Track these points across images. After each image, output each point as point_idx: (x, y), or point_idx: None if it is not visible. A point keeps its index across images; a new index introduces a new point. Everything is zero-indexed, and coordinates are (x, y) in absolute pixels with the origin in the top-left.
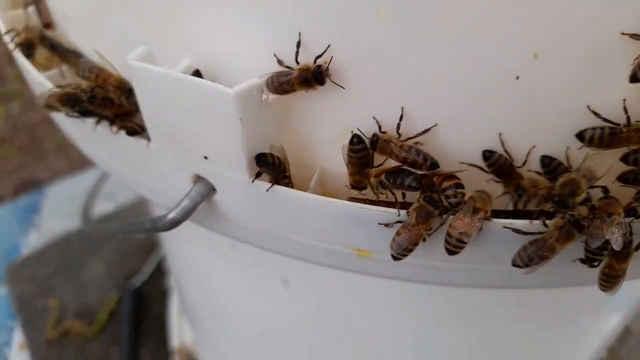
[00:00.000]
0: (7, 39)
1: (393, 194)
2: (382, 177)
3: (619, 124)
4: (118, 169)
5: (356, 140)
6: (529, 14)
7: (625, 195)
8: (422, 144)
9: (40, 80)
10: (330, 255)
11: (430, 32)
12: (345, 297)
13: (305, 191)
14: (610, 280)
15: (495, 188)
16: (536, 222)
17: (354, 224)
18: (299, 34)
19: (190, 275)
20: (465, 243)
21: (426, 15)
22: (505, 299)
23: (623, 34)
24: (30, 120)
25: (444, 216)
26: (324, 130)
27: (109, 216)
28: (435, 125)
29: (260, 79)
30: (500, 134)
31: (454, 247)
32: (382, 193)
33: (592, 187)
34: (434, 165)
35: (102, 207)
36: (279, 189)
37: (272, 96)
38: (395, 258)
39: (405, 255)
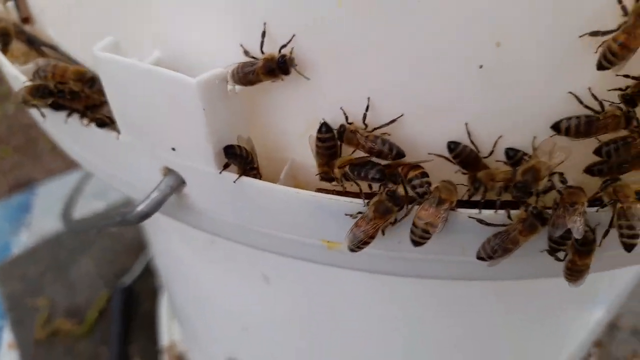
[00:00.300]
0: None
1: (358, 185)
2: (347, 168)
3: (598, 112)
4: (93, 162)
5: (324, 129)
6: (492, 1)
7: (589, 186)
8: (389, 135)
9: (15, 74)
10: (301, 247)
11: (391, 21)
12: (325, 291)
13: (276, 183)
14: (574, 274)
15: (464, 179)
16: (501, 212)
17: (322, 215)
18: (264, 24)
19: (175, 272)
20: (431, 234)
21: (386, 4)
22: (483, 290)
23: (581, 35)
24: (26, 121)
25: (409, 207)
26: (293, 122)
27: (90, 216)
28: (402, 115)
29: (225, 69)
30: (466, 124)
31: (419, 237)
32: (347, 183)
33: (552, 173)
34: (400, 154)
35: (93, 205)
36: (247, 180)
37: (238, 87)
38: (351, 250)
39: (360, 248)
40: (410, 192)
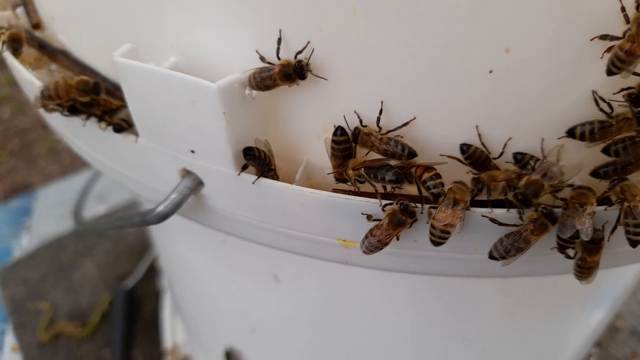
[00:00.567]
0: None
1: (373, 186)
2: (362, 170)
3: (611, 116)
4: (109, 165)
5: (339, 132)
6: (500, 9)
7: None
8: (402, 137)
9: (29, 78)
10: (317, 246)
11: (404, 28)
12: (334, 291)
13: (292, 184)
14: (584, 272)
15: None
16: (512, 211)
17: (338, 214)
18: (280, 31)
19: (182, 273)
20: (449, 234)
21: (399, 11)
22: (490, 292)
23: (592, 38)
24: (21, 125)
25: (422, 211)
26: (308, 125)
27: (101, 218)
28: (414, 118)
29: (243, 74)
30: (477, 127)
31: (438, 238)
32: (360, 184)
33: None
34: (412, 154)
35: (95, 209)
36: (265, 181)
37: (255, 92)
38: (365, 254)
39: (374, 252)
40: (425, 193)
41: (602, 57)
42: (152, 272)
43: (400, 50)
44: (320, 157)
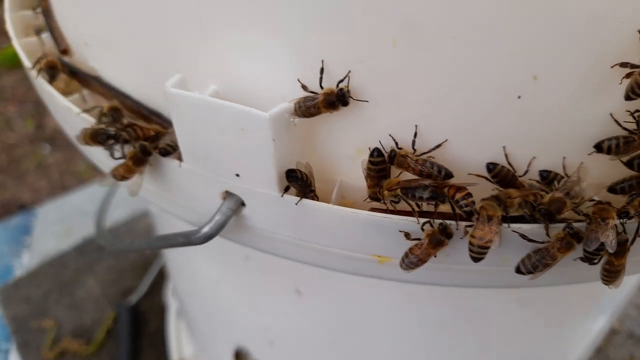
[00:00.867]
0: (28, 65)
1: (410, 205)
2: (398, 190)
3: (634, 132)
4: (145, 188)
5: (376, 153)
6: (529, 42)
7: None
8: (433, 158)
9: (66, 105)
10: (352, 262)
11: (441, 58)
12: (356, 304)
13: (328, 202)
14: (611, 276)
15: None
16: (540, 226)
17: (376, 232)
18: (322, 62)
19: (197, 289)
20: (488, 249)
21: (437, 44)
22: (508, 299)
23: (612, 66)
24: (9, 140)
25: (457, 227)
26: (343, 147)
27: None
28: (446, 140)
29: (290, 103)
30: (504, 147)
31: (477, 254)
32: (395, 203)
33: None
34: (448, 175)
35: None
36: (307, 202)
37: (297, 119)
38: (405, 271)
39: (413, 270)
40: (458, 211)
41: (620, 83)
42: (156, 287)
43: (435, 79)
44: (354, 177)
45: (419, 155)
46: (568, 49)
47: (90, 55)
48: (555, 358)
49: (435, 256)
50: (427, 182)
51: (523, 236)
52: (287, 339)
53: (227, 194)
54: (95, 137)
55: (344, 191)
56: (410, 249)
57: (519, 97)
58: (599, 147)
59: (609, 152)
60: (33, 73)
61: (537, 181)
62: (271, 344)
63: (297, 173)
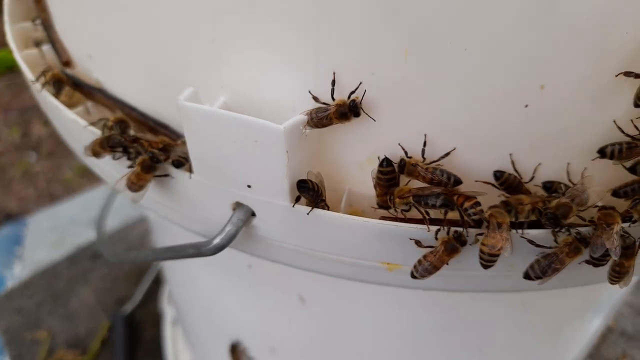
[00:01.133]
0: (31, 78)
1: (422, 213)
2: (410, 198)
3: (638, 139)
4: (152, 199)
5: (386, 163)
6: (536, 52)
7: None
8: (442, 165)
9: (72, 118)
10: (361, 270)
11: (450, 69)
12: (359, 310)
13: (336, 211)
14: (620, 276)
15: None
16: (544, 231)
17: (386, 240)
18: (334, 74)
19: (197, 297)
20: (498, 256)
21: (447, 56)
22: (513, 302)
23: (617, 75)
24: None
25: (467, 234)
26: (352, 156)
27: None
28: (455, 149)
29: (303, 115)
30: (510, 155)
31: (487, 261)
32: (406, 212)
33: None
34: (458, 182)
35: (87, 235)
36: (318, 211)
37: (308, 129)
38: (418, 278)
39: (427, 277)
40: (466, 219)
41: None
42: (151, 296)
43: (445, 89)
44: (362, 186)
45: (428, 164)
46: (574, 58)
47: (95, 67)
48: (555, 357)
49: (447, 263)
50: (439, 189)
51: (531, 242)
52: (289, 345)
53: (238, 205)
54: (106, 143)
55: (352, 200)
56: (425, 256)
57: (526, 106)
58: (602, 152)
59: (611, 157)
60: (37, 86)
61: (541, 188)
62: (272, 351)
63: (308, 184)
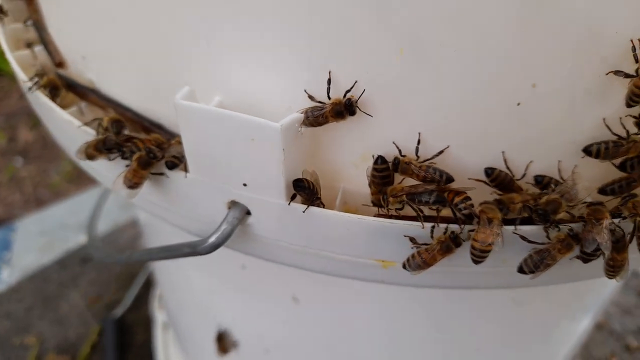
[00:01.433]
0: (24, 78)
1: (415, 210)
2: (404, 196)
3: (624, 138)
4: (147, 199)
5: (380, 161)
6: (528, 51)
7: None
8: (435, 163)
9: (67, 119)
10: (356, 267)
11: (444, 68)
12: (353, 308)
13: (332, 209)
14: (615, 270)
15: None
16: (540, 228)
17: (381, 237)
18: (329, 72)
19: (190, 300)
20: (489, 252)
21: (441, 54)
22: (504, 299)
23: (607, 73)
24: None
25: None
26: (347, 155)
27: (85, 247)
28: (448, 147)
29: (299, 113)
30: (503, 152)
31: (478, 257)
32: (399, 210)
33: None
34: (450, 179)
35: (77, 239)
36: (314, 209)
37: (304, 127)
38: (411, 272)
39: (419, 272)
40: (458, 214)
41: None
42: (142, 299)
43: (438, 88)
44: (356, 184)
45: (422, 162)
46: (564, 58)
47: (88, 68)
48: (545, 356)
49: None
50: (432, 187)
51: (524, 238)
52: (283, 346)
53: (233, 204)
54: (102, 145)
55: (347, 198)
56: (419, 252)
57: (518, 104)
58: (587, 151)
59: (597, 155)
60: (27, 84)
61: (533, 185)
62: (266, 352)
63: (304, 182)
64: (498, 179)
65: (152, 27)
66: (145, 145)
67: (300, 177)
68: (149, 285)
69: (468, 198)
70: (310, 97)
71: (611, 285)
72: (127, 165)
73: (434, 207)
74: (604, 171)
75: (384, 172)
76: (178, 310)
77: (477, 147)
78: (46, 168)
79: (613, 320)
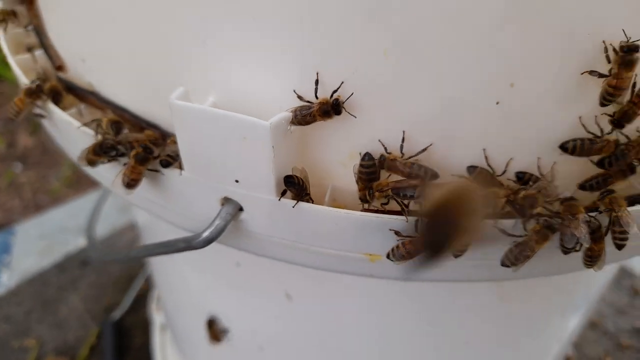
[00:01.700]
0: (25, 80)
1: (400, 204)
2: (389, 191)
3: (599, 136)
4: (144, 197)
5: (367, 157)
6: (506, 53)
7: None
8: (419, 160)
9: (67, 119)
10: (345, 262)
11: (427, 68)
12: (344, 306)
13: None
14: (593, 260)
15: None
16: (518, 221)
17: (368, 231)
18: (317, 74)
19: (186, 299)
20: (468, 246)
21: (424, 55)
22: (490, 294)
23: (582, 73)
24: None
25: None
26: (334, 154)
27: (84, 250)
28: (431, 144)
29: (288, 112)
30: (484, 150)
31: (459, 251)
32: (384, 205)
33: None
34: (435, 176)
35: (76, 242)
36: (303, 204)
37: (293, 126)
38: (395, 262)
39: (402, 262)
40: None
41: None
42: (140, 302)
43: (421, 87)
44: (344, 182)
45: (407, 159)
46: (541, 59)
47: (87, 70)
48: (535, 351)
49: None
50: (416, 182)
51: (503, 231)
52: (276, 342)
53: (226, 200)
54: (100, 149)
55: (335, 195)
56: (403, 243)
57: (497, 103)
58: (564, 148)
59: (573, 152)
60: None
61: (514, 182)
62: (260, 350)
63: (294, 178)
64: (480, 176)
65: (150, 28)
66: (141, 143)
67: (291, 174)
68: (147, 288)
69: None
70: (299, 97)
71: (597, 283)
72: (124, 164)
73: (418, 202)
74: (582, 167)
75: (371, 168)
76: (175, 311)
77: (459, 144)
78: (45, 174)
79: (607, 320)
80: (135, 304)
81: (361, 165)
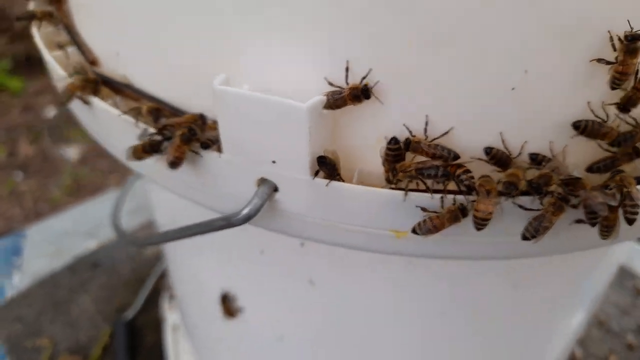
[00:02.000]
0: (61, 73)
1: (424, 183)
2: (413, 171)
3: (605, 121)
4: (182, 180)
5: (394, 141)
6: (521, 41)
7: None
8: (442, 143)
9: (105, 108)
10: (372, 239)
11: (450, 57)
12: (366, 292)
13: None
14: (610, 229)
15: None
16: (535, 198)
17: (394, 207)
18: (347, 62)
19: (203, 290)
20: (489, 220)
21: (446, 44)
22: (504, 281)
23: (591, 60)
24: None
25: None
26: (363, 137)
27: (94, 252)
28: (452, 128)
29: (322, 96)
30: (500, 133)
31: (479, 225)
32: (410, 183)
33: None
34: (456, 157)
35: (86, 243)
36: (335, 183)
37: (325, 111)
38: (421, 235)
39: (428, 235)
40: (460, 186)
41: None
42: (152, 302)
43: (442, 75)
44: (371, 164)
45: (430, 141)
46: (554, 47)
47: (121, 64)
48: (542, 343)
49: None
50: (438, 162)
51: (521, 206)
52: (298, 332)
53: (262, 181)
54: (150, 148)
55: (362, 178)
56: (430, 218)
57: (513, 89)
58: (576, 126)
59: (584, 131)
60: (63, 82)
61: (528, 163)
62: (280, 340)
63: (326, 159)
64: (496, 157)
65: (184, 21)
66: (183, 124)
67: (323, 154)
68: (158, 287)
69: (468, 171)
70: (330, 84)
71: (603, 278)
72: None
73: (440, 181)
74: (593, 150)
75: (397, 151)
76: (192, 306)
77: (478, 128)
78: (46, 182)
79: (612, 320)
80: (147, 304)
81: (388, 149)
